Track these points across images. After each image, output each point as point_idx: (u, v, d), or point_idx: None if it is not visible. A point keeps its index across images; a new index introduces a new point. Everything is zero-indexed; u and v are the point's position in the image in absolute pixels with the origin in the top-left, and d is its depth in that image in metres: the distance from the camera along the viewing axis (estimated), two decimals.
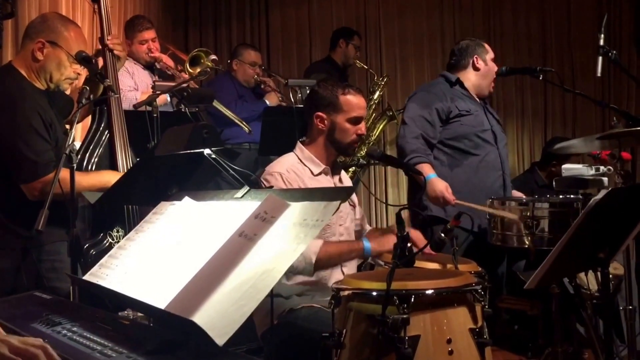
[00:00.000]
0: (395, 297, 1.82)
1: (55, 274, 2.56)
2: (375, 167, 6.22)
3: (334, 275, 2.60)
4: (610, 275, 2.56)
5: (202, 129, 2.05)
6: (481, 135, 3.55)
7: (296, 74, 6.01)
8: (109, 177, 2.66)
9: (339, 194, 1.56)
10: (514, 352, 3.70)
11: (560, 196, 3.27)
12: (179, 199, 1.87)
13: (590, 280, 3.03)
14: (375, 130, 5.38)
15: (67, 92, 2.89)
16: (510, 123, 6.68)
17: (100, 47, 3.05)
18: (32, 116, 2.51)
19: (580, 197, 2.99)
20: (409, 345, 1.81)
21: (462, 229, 3.25)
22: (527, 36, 6.74)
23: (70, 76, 2.68)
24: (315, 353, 2.06)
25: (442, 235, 2.50)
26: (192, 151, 2.08)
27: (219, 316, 1.29)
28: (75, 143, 2.55)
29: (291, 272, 2.47)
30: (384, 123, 5.44)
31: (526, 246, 2.94)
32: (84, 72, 2.77)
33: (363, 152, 4.76)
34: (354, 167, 4.93)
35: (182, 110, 3.23)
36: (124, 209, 2.91)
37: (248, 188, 1.82)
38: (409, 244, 2.01)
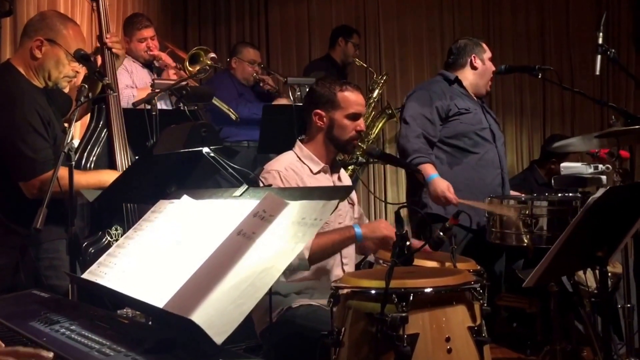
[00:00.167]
0: (394, 296, 1.83)
1: (53, 272, 2.56)
2: (374, 165, 6.22)
3: (334, 273, 2.60)
4: (609, 274, 2.57)
5: (200, 127, 2.05)
6: (480, 133, 3.57)
7: (295, 72, 6.01)
8: (108, 176, 2.66)
9: (338, 193, 1.56)
10: (512, 350, 3.71)
11: (559, 194, 3.28)
12: (178, 197, 1.87)
13: (588, 277, 3.04)
14: (375, 129, 5.39)
15: (66, 90, 2.88)
16: (509, 121, 6.69)
17: (98, 45, 3.05)
18: (30, 114, 2.51)
19: (579, 195, 2.99)
20: (408, 343, 1.82)
21: (461, 228, 3.26)
22: (526, 35, 6.74)
23: (69, 74, 2.68)
24: (314, 351, 2.07)
25: (441, 233, 2.50)
26: (190, 149, 2.08)
27: (218, 315, 1.29)
28: (73, 141, 2.55)
29: (288, 269, 2.47)
30: (383, 121, 5.45)
31: (525, 244, 2.95)
32: (82, 70, 2.77)
33: (362, 151, 4.76)
34: (353, 166, 4.93)
35: (181, 108, 3.23)
36: (123, 207, 2.91)
37: (247, 186, 1.82)
38: (407, 243, 2.01)
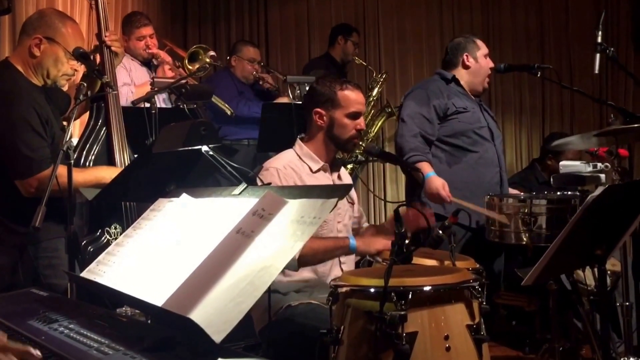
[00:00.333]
0: (392, 294, 1.83)
1: (52, 270, 2.56)
2: (373, 164, 6.23)
3: (333, 272, 2.60)
4: (608, 272, 2.57)
5: (199, 125, 2.05)
6: (478, 132, 3.57)
7: (295, 71, 6.01)
8: (105, 173, 2.66)
9: (337, 191, 1.56)
10: (511, 348, 3.71)
11: (558, 193, 3.28)
12: (177, 195, 1.87)
13: (587, 275, 3.04)
14: (374, 127, 5.39)
15: (65, 89, 2.88)
16: (508, 120, 6.69)
17: (97, 43, 3.05)
18: (28, 112, 2.50)
19: (578, 193, 3.00)
20: (407, 341, 1.82)
21: (460, 226, 3.26)
22: (526, 33, 6.74)
23: (67, 72, 2.67)
24: (313, 349, 2.07)
25: (440, 232, 2.50)
26: (190, 148, 2.08)
27: (217, 313, 1.29)
28: (72, 140, 2.55)
29: None
30: (382, 120, 5.45)
31: (524, 243, 2.95)
32: (81, 69, 2.77)
33: (361, 149, 4.76)
34: (352, 164, 4.93)
35: (181, 106, 3.22)
36: (122, 205, 2.91)
37: (246, 185, 1.82)
38: (406, 241, 2.01)
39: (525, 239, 2.95)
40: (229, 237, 1.46)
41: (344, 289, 2.01)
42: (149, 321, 1.91)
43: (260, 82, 4.95)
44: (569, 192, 3.19)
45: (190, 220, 1.70)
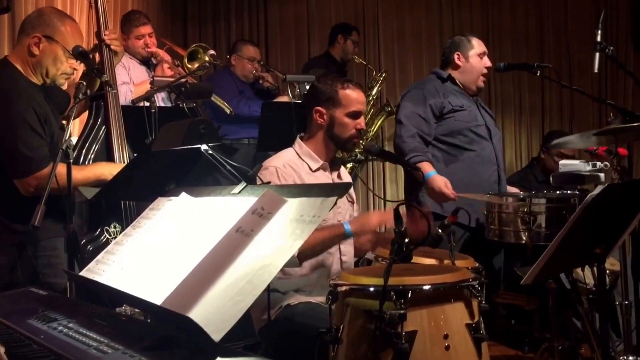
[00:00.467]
0: (392, 293, 1.83)
1: (51, 269, 2.56)
2: (373, 163, 6.23)
3: (333, 271, 2.60)
4: (607, 271, 2.57)
5: (199, 124, 2.05)
6: (475, 130, 3.57)
7: (294, 70, 6.01)
8: (104, 169, 2.66)
9: (336, 190, 1.56)
10: (510, 347, 3.71)
11: (557, 192, 3.28)
12: (176, 194, 1.87)
13: (586, 274, 3.04)
14: (374, 126, 5.39)
15: (64, 87, 2.88)
16: (507, 119, 6.69)
17: (97, 42, 3.04)
18: (26, 111, 2.50)
19: (577, 192, 3.00)
20: (406, 340, 1.82)
21: (460, 225, 3.26)
22: (525, 32, 6.73)
23: (67, 71, 2.67)
24: (313, 348, 2.07)
25: (440, 231, 2.50)
26: (189, 147, 2.08)
27: (216, 312, 1.29)
28: (72, 138, 2.55)
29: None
30: (382, 119, 5.45)
31: (523, 242, 2.95)
32: (80, 67, 2.76)
33: (361, 148, 4.76)
34: (352, 163, 4.93)
35: (180, 105, 3.23)
36: (121, 204, 2.91)
37: (245, 184, 1.82)
38: (406, 240, 2.01)
39: (524, 238, 2.94)
40: (228, 235, 1.46)
41: (343, 288, 2.01)
42: (149, 320, 1.91)
43: (260, 81, 4.96)
44: (569, 191, 3.19)
45: (189, 219, 1.70)
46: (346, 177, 2.87)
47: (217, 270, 1.37)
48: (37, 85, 2.64)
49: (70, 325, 1.47)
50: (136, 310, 2.25)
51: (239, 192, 1.79)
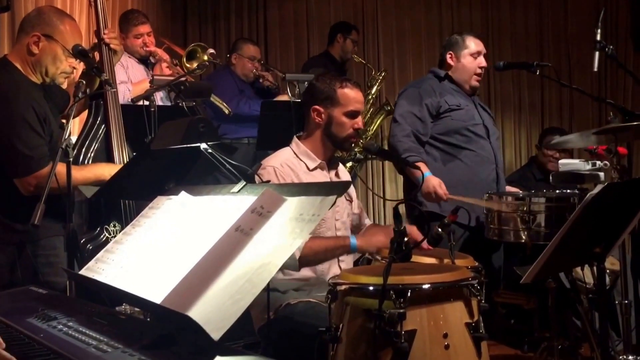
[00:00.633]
0: (391, 292, 1.83)
1: (51, 268, 2.56)
2: (372, 162, 6.22)
3: (332, 270, 2.60)
4: (607, 271, 2.57)
5: (198, 122, 2.04)
6: (473, 129, 3.56)
7: (294, 69, 6.01)
8: (104, 169, 2.66)
9: (336, 189, 1.56)
10: (510, 346, 3.71)
11: (557, 191, 3.28)
12: (176, 193, 1.87)
13: (586, 274, 3.04)
14: (373, 125, 5.38)
15: (64, 86, 2.88)
16: (507, 118, 6.69)
17: (96, 41, 3.04)
18: (25, 110, 2.50)
19: (577, 191, 3.00)
20: (406, 339, 1.82)
21: (459, 225, 3.26)
22: (525, 31, 6.73)
23: (66, 70, 2.67)
24: (312, 347, 2.07)
25: (439, 230, 2.50)
26: (188, 145, 2.07)
27: (215, 310, 1.29)
28: (71, 137, 2.54)
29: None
30: (381, 118, 5.44)
31: (523, 241, 2.95)
32: (79, 66, 2.76)
33: (360, 147, 4.75)
34: (351, 162, 4.93)
35: (180, 104, 3.22)
36: (121, 203, 2.91)
37: (245, 183, 1.82)
38: (405, 239, 2.01)
39: (524, 237, 2.94)
40: (227, 234, 1.46)
41: (342, 287, 2.01)
42: (148, 319, 1.91)
43: (261, 80, 4.95)
44: (568, 190, 3.19)
45: (189, 218, 1.70)
46: (344, 176, 2.87)
47: (217, 269, 1.37)
48: (37, 84, 2.64)
49: (70, 324, 1.47)
50: (136, 309, 2.25)
51: (239, 191, 1.79)
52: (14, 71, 2.59)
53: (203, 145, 2.06)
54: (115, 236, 2.76)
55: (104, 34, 2.99)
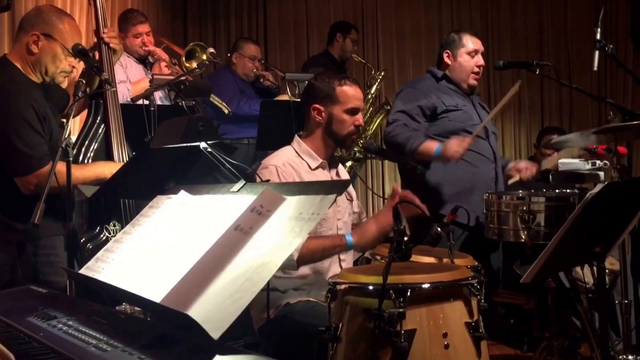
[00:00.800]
0: (391, 291, 1.83)
1: (51, 268, 2.56)
2: (372, 161, 6.23)
3: (332, 269, 2.60)
4: (607, 270, 2.57)
5: (197, 121, 2.04)
6: (470, 130, 3.52)
7: (294, 69, 6.01)
8: (104, 168, 2.66)
9: (335, 187, 1.56)
10: (509, 346, 3.72)
11: (557, 190, 3.28)
12: (176, 193, 1.87)
13: (586, 273, 3.04)
14: (373, 125, 5.38)
15: (64, 85, 2.88)
16: (507, 117, 6.69)
17: (96, 40, 3.04)
18: (25, 109, 2.50)
19: (577, 191, 3.00)
20: (405, 339, 1.82)
21: (459, 225, 3.26)
22: (524, 31, 6.74)
23: (66, 69, 2.67)
24: (312, 347, 2.07)
25: (439, 229, 2.50)
26: (188, 144, 2.07)
27: (215, 309, 1.29)
28: (71, 137, 2.54)
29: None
30: (381, 117, 5.44)
31: (522, 240, 2.95)
32: (79, 66, 2.76)
33: (360, 146, 4.75)
34: (351, 162, 4.93)
35: (180, 103, 3.22)
36: (121, 203, 2.91)
37: (244, 182, 1.82)
38: (405, 238, 2.00)
39: (523, 236, 2.94)
40: (227, 233, 1.46)
41: (342, 287, 2.00)
42: (148, 318, 1.91)
43: (261, 80, 4.95)
44: (568, 190, 3.19)
45: (188, 217, 1.70)
46: (344, 175, 2.87)
47: (216, 268, 1.37)
48: (37, 84, 2.64)
49: (70, 323, 1.47)
50: (136, 308, 2.25)
51: (238, 190, 1.79)
52: (13, 70, 2.59)
53: (202, 145, 2.06)
54: (115, 235, 2.77)
55: (103, 33, 2.98)
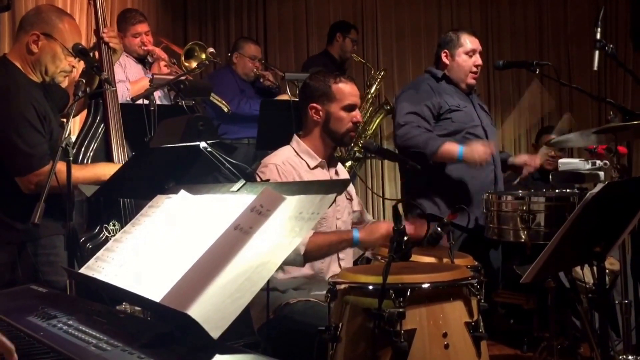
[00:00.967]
0: (391, 291, 1.83)
1: (51, 267, 2.56)
2: (372, 161, 6.22)
3: (331, 269, 2.60)
4: (607, 270, 2.57)
5: (197, 120, 2.04)
6: (472, 131, 3.52)
7: (294, 68, 6.01)
8: (104, 169, 2.66)
9: (335, 187, 1.56)
10: (509, 346, 3.71)
11: (557, 190, 3.28)
12: (176, 192, 1.87)
13: (586, 273, 3.04)
14: (372, 124, 5.37)
15: (64, 85, 2.88)
16: (507, 117, 6.68)
17: (96, 40, 3.04)
18: (26, 109, 2.50)
19: (577, 191, 2.99)
20: (405, 339, 1.82)
21: (459, 227, 3.25)
22: (524, 30, 6.73)
23: (66, 69, 2.67)
24: (312, 347, 2.07)
25: (439, 229, 2.50)
26: (188, 144, 2.07)
27: (214, 309, 1.29)
28: (71, 136, 2.54)
29: (282, 263, 2.47)
30: (381, 117, 5.43)
31: (522, 240, 2.95)
32: (79, 65, 2.76)
33: (360, 146, 4.75)
34: (350, 162, 4.93)
35: (179, 103, 3.22)
36: (120, 202, 2.91)
37: (244, 181, 1.82)
38: (405, 238, 2.00)
39: (523, 236, 2.94)
40: (227, 233, 1.46)
41: (342, 286, 2.01)
42: (148, 317, 1.91)
43: (261, 80, 4.95)
44: (568, 190, 3.19)
45: (188, 217, 1.70)
46: (343, 174, 2.87)
47: (216, 267, 1.37)
48: (37, 83, 2.64)
49: (70, 322, 1.47)
50: (135, 307, 2.24)
51: (238, 189, 1.79)
52: (13, 70, 2.59)
53: (202, 144, 2.06)
54: (114, 235, 2.77)
55: (103, 32, 2.98)
